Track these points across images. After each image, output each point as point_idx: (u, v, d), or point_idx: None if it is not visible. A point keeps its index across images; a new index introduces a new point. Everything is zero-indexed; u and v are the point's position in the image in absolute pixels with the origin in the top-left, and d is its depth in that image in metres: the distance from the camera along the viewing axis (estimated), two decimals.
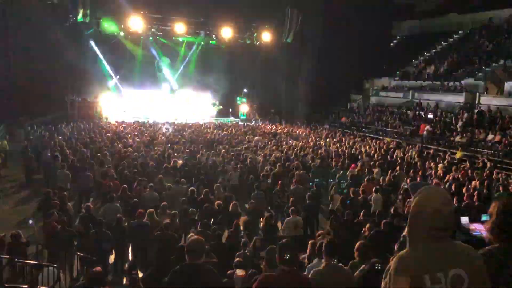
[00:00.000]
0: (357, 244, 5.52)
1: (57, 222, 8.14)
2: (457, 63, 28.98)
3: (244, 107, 34.23)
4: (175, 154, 15.55)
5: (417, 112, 26.03)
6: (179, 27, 28.87)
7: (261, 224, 9.79)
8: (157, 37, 31.03)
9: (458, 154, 18.33)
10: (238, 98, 34.48)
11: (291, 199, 10.51)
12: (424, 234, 1.96)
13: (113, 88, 30.59)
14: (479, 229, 8.17)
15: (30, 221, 8.93)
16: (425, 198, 1.99)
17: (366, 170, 14.36)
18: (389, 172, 13.82)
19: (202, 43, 32.51)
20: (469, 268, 1.92)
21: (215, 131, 22.79)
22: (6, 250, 7.28)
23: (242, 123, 29.56)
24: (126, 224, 8.75)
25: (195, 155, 15.47)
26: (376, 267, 4.87)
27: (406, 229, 2.08)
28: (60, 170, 12.11)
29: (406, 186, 11.54)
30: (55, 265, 6.81)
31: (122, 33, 29.37)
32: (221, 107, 33.10)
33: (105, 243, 7.87)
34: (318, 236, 7.61)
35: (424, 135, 22.26)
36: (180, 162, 14.24)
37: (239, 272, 5.84)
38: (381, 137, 24.17)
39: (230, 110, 34.12)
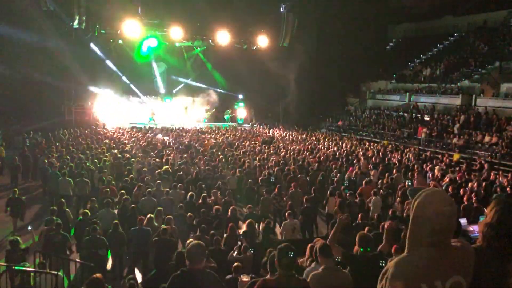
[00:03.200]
0: (358, 234, 5.43)
1: (53, 226, 8.11)
2: (453, 66, 29.14)
3: (242, 112, 34.27)
4: (173, 159, 15.53)
5: (414, 114, 26.11)
6: (176, 33, 28.88)
7: (260, 228, 9.76)
8: (154, 43, 30.98)
9: (456, 156, 18.38)
10: (236, 103, 34.51)
11: (289, 202, 10.50)
12: (425, 238, 1.89)
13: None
14: (477, 230, 8.16)
15: (29, 227, 8.91)
16: (425, 201, 1.92)
17: (364, 173, 14.38)
18: (387, 174, 13.84)
19: (199, 48, 32.55)
20: (467, 275, 1.91)
21: (212, 136, 22.78)
22: (4, 257, 7.26)
23: (240, 128, 29.58)
24: (123, 229, 8.72)
25: (193, 160, 15.48)
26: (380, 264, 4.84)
27: (407, 233, 1.98)
28: (62, 178, 11.98)
29: (403, 189, 11.59)
30: (54, 272, 6.79)
31: (119, 40, 29.38)
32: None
33: (100, 249, 7.85)
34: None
35: (421, 138, 22.34)
36: (177, 167, 14.23)
37: (244, 277, 5.79)
38: (378, 140, 24.24)
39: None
